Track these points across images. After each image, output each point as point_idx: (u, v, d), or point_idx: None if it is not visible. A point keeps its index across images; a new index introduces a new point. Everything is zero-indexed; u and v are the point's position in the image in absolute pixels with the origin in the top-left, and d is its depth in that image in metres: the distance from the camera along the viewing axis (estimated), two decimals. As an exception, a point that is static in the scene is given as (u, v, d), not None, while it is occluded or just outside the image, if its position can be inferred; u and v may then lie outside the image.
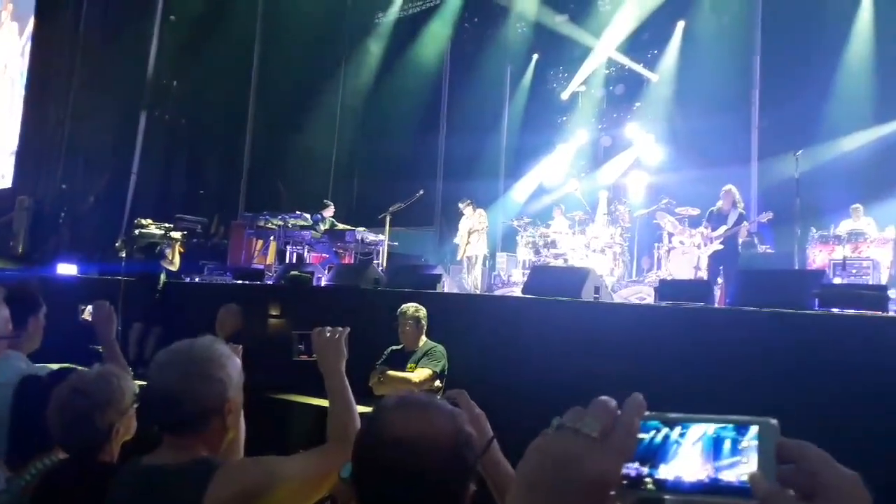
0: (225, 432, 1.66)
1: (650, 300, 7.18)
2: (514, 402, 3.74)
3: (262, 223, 10.64)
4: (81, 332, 3.26)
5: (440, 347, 4.46)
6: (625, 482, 0.59)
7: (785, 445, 0.56)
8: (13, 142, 16.76)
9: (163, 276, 8.21)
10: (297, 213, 10.69)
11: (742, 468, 0.57)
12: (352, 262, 10.25)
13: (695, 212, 8.89)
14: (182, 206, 12.62)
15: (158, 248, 8.46)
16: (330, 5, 14.60)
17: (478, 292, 9.46)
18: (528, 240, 10.02)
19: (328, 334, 1.88)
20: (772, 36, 10.51)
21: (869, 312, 4.22)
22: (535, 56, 13.69)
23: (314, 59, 14.48)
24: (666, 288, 5.91)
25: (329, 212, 10.83)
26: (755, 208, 9.44)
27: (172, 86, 14.91)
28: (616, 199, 10.77)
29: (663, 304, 5.31)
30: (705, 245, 8.38)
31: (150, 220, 8.82)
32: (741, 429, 0.58)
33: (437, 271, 6.86)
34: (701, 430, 0.59)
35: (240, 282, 8.37)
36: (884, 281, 7.29)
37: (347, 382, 1.82)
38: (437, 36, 14.18)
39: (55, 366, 2.44)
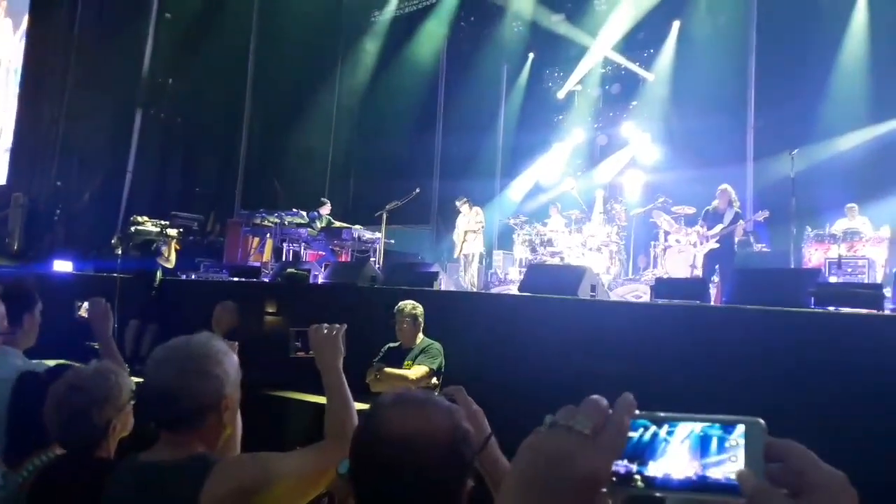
0: (222, 429, 1.65)
1: (646, 298, 7.20)
2: (511, 399, 3.74)
3: (258, 221, 10.60)
4: (78, 328, 3.25)
5: (437, 345, 4.47)
6: (615, 479, 0.60)
7: (772, 444, 0.57)
8: (7, 139, 16.68)
9: (159, 274, 8.17)
10: (294, 210, 10.68)
11: (729, 466, 0.57)
12: (348, 259, 10.26)
13: (691, 210, 8.91)
14: (178, 204, 12.53)
15: (154, 245, 8.42)
16: (326, 4, 14.61)
17: (474, 290, 9.46)
18: (524, 238, 10.04)
19: (325, 331, 1.87)
20: (767, 36, 10.53)
21: (864, 311, 4.25)
22: (532, 55, 13.69)
23: (310, 57, 14.46)
24: (662, 286, 5.93)
25: (326, 209, 10.81)
26: (751, 207, 9.48)
27: (168, 84, 14.84)
28: (612, 198, 10.81)
29: (659, 302, 5.34)
30: (701, 244, 8.41)
31: (146, 218, 8.77)
32: (728, 428, 0.59)
33: (433, 269, 6.85)
34: (688, 429, 0.60)
35: (236, 279, 8.35)
36: (879, 279, 7.33)
37: (344, 379, 1.81)
38: (433, 35, 14.17)
39: (51, 362, 2.44)
